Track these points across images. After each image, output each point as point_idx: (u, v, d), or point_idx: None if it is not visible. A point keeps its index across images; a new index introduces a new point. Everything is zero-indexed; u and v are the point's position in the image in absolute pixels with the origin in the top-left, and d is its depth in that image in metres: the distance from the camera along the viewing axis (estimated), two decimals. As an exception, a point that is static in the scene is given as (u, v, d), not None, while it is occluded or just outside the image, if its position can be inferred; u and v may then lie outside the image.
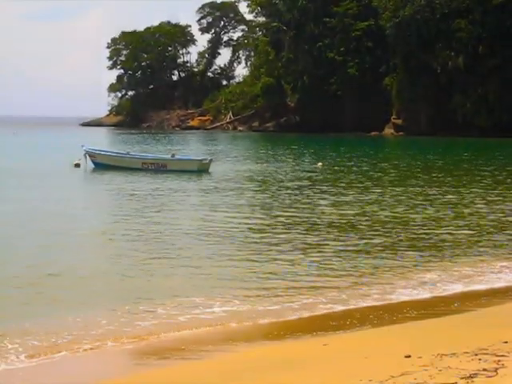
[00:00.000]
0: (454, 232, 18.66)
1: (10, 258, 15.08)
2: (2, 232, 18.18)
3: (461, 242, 17.37)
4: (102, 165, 37.58)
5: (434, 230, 19.02)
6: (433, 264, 14.88)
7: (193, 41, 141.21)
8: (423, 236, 18.06)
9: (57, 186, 29.83)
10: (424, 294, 12.55)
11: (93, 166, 37.84)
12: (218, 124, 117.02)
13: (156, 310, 11.30)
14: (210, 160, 38.00)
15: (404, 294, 12.54)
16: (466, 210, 22.77)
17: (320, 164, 41.09)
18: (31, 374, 8.80)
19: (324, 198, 25.76)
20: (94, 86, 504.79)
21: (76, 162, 37.97)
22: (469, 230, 19.14)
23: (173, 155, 39.47)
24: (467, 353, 8.20)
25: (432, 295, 12.54)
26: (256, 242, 17.03)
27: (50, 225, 19.28)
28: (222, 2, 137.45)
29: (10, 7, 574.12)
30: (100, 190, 29.49)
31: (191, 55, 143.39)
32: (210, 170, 36.74)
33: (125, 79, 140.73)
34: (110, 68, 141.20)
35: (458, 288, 13.01)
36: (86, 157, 37.94)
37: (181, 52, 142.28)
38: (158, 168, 36.99)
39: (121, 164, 37.54)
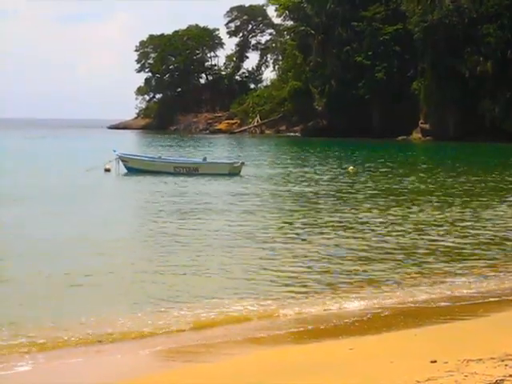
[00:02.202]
0: (481, 237, 18.62)
1: (41, 260, 15.23)
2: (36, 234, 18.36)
3: (488, 245, 17.32)
4: (135, 169, 37.63)
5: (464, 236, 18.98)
6: (460, 269, 14.80)
7: (221, 44, 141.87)
8: (454, 242, 18.01)
9: (92, 193, 29.23)
10: (451, 299, 12.47)
11: (125, 170, 37.89)
12: (246, 127, 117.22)
13: (180, 311, 11.32)
14: (242, 163, 38.23)
15: (431, 298, 12.48)
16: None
17: (351, 168, 40.82)
18: (54, 373, 8.87)
19: (355, 202, 25.68)
20: (122, 88, 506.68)
21: (106, 166, 37.81)
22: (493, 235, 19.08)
23: (204, 159, 39.61)
24: (493, 359, 8.17)
25: (459, 300, 12.46)
26: (286, 246, 16.97)
27: (84, 229, 19.26)
28: (249, 6, 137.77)
29: (35, 11, 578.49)
30: (134, 194, 29.74)
31: (219, 59, 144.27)
32: (241, 174, 36.89)
33: (153, 82, 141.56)
34: (138, 71, 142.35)
35: (484, 293, 12.94)
36: (117, 161, 37.93)
37: (209, 55, 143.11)
38: (190, 172, 37.08)
39: (153, 168, 37.61)
